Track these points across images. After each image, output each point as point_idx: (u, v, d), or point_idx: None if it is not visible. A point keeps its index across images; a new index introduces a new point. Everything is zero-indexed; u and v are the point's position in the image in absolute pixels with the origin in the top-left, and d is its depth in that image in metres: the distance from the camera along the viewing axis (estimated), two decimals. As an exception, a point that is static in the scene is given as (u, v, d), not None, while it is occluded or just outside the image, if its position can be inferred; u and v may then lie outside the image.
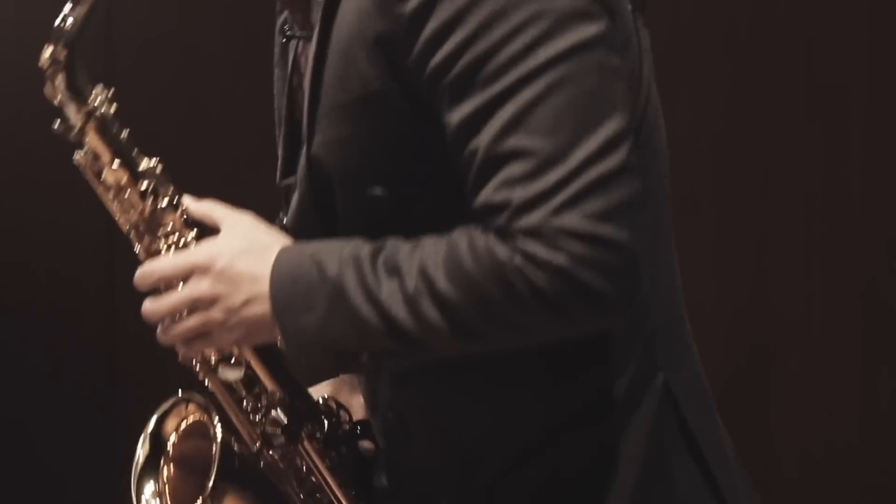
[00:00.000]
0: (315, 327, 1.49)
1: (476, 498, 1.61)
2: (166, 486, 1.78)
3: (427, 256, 1.46)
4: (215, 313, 1.55)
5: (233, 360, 1.67)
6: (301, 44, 1.67)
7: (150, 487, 1.79)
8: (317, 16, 1.55)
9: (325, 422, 1.71)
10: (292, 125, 1.66)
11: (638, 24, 1.61)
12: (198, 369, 1.69)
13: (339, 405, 1.74)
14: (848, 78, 3.59)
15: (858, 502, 3.64)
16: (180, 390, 1.76)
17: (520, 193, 1.40)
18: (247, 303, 1.54)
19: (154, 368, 3.61)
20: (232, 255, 1.55)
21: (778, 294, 3.65)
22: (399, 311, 1.45)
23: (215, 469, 1.69)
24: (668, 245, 1.67)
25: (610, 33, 1.46)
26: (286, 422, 1.68)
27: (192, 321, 1.57)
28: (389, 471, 1.72)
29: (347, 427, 1.74)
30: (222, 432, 1.70)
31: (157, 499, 1.77)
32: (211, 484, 1.69)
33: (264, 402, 1.69)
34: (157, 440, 1.79)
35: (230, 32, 3.76)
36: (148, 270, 1.60)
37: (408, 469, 1.68)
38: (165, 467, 1.79)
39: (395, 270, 1.46)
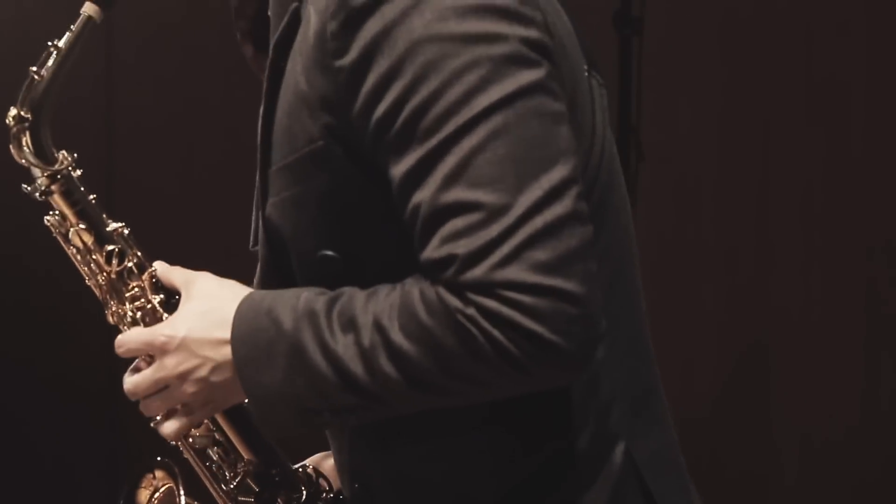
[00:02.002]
0: (276, 384, 1.47)
1: None
2: None
3: (381, 308, 1.43)
4: (187, 387, 1.55)
5: (204, 427, 1.66)
6: None
7: None
8: None
9: (304, 491, 1.68)
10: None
11: (593, 82, 1.58)
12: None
13: (319, 474, 1.71)
14: (848, 76, 3.59)
15: (858, 501, 3.65)
16: (159, 457, 1.74)
17: (464, 247, 1.37)
18: (214, 370, 1.53)
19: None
20: (191, 325, 1.55)
21: (778, 293, 3.65)
22: (356, 366, 1.42)
23: None
24: (631, 310, 1.61)
25: (550, 80, 1.42)
26: (259, 490, 1.66)
27: (166, 401, 1.57)
28: None
29: (326, 496, 1.70)
30: (188, 501, 1.68)
31: None
32: None
33: (239, 469, 1.67)
34: None
35: (231, 30, 3.76)
36: (118, 343, 1.61)
37: None
38: None
39: (350, 324, 1.44)
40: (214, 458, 1.68)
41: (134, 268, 1.64)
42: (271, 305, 1.49)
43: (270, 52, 1.54)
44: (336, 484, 1.71)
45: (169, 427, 1.60)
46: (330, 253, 1.51)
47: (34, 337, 3.82)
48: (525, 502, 1.55)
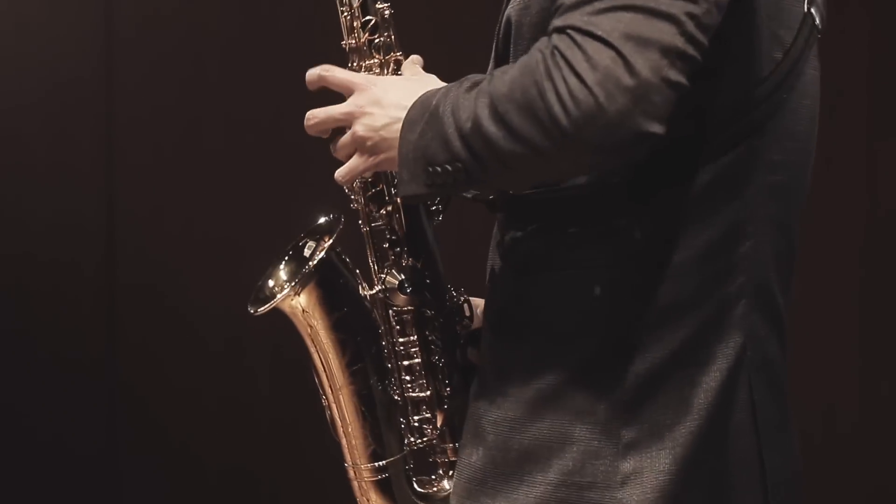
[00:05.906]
0: (414, 138, 1.59)
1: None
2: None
3: (506, 67, 1.54)
4: (360, 128, 1.69)
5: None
6: None
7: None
8: None
9: (447, 305, 1.80)
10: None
11: (811, 41, 1.82)
12: (361, 223, 1.83)
13: (469, 305, 1.81)
14: (848, 76, 3.59)
15: (858, 501, 3.65)
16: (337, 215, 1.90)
17: None
18: (386, 126, 1.67)
19: (153, 357, 3.61)
20: (390, 84, 1.72)
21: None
22: (464, 112, 1.53)
23: (311, 265, 1.83)
24: (789, 218, 1.69)
25: None
26: (406, 283, 1.79)
27: (349, 139, 1.70)
28: (483, 373, 1.73)
29: (467, 324, 1.80)
30: (332, 245, 1.83)
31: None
32: (302, 274, 1.82)
33: (402, 260, 1.80)
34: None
35: (231, 8, 3.76)
36: (321, 73, 1.75)
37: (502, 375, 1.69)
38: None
39: (474, 84, 1.55)
40: (384, 246, 1.81)
41: (381, 45, 1.81)
42: (441, 86, 1.64)
43: None
44: (478, 324, 1.80)
45: (340, 170, 1.72)
46: None
47: (30, 310, 3.83)
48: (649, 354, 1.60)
